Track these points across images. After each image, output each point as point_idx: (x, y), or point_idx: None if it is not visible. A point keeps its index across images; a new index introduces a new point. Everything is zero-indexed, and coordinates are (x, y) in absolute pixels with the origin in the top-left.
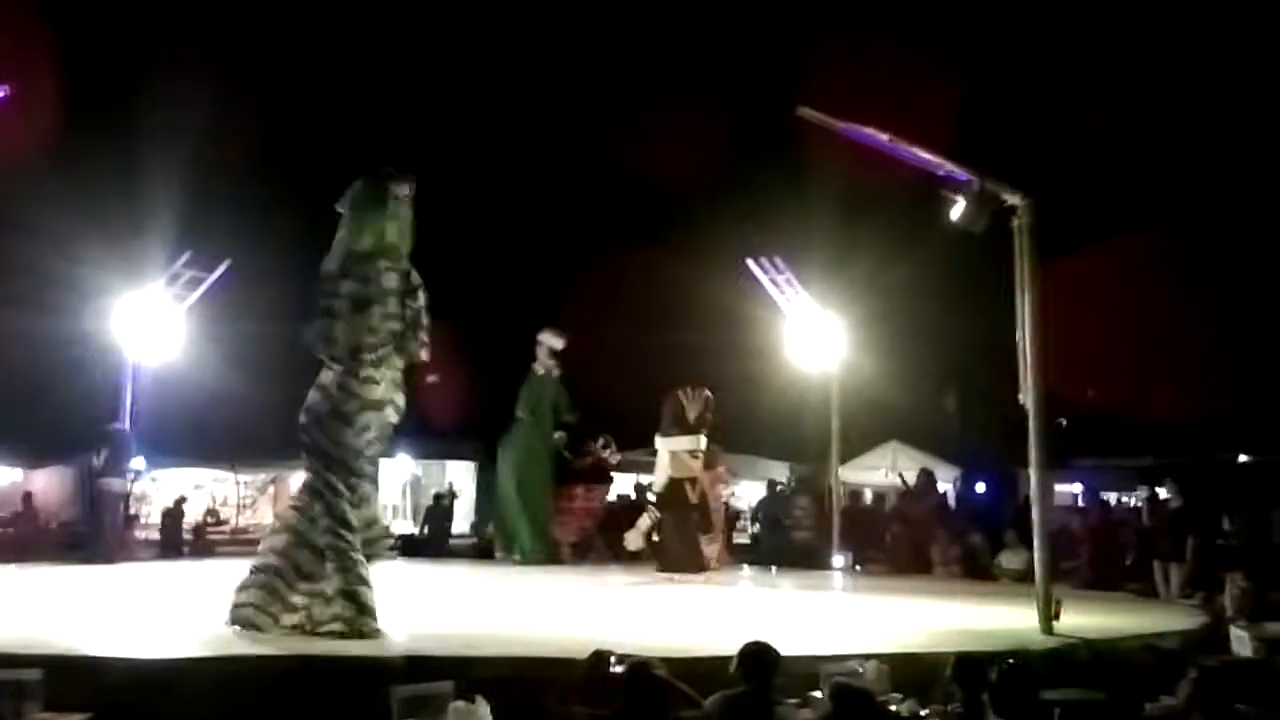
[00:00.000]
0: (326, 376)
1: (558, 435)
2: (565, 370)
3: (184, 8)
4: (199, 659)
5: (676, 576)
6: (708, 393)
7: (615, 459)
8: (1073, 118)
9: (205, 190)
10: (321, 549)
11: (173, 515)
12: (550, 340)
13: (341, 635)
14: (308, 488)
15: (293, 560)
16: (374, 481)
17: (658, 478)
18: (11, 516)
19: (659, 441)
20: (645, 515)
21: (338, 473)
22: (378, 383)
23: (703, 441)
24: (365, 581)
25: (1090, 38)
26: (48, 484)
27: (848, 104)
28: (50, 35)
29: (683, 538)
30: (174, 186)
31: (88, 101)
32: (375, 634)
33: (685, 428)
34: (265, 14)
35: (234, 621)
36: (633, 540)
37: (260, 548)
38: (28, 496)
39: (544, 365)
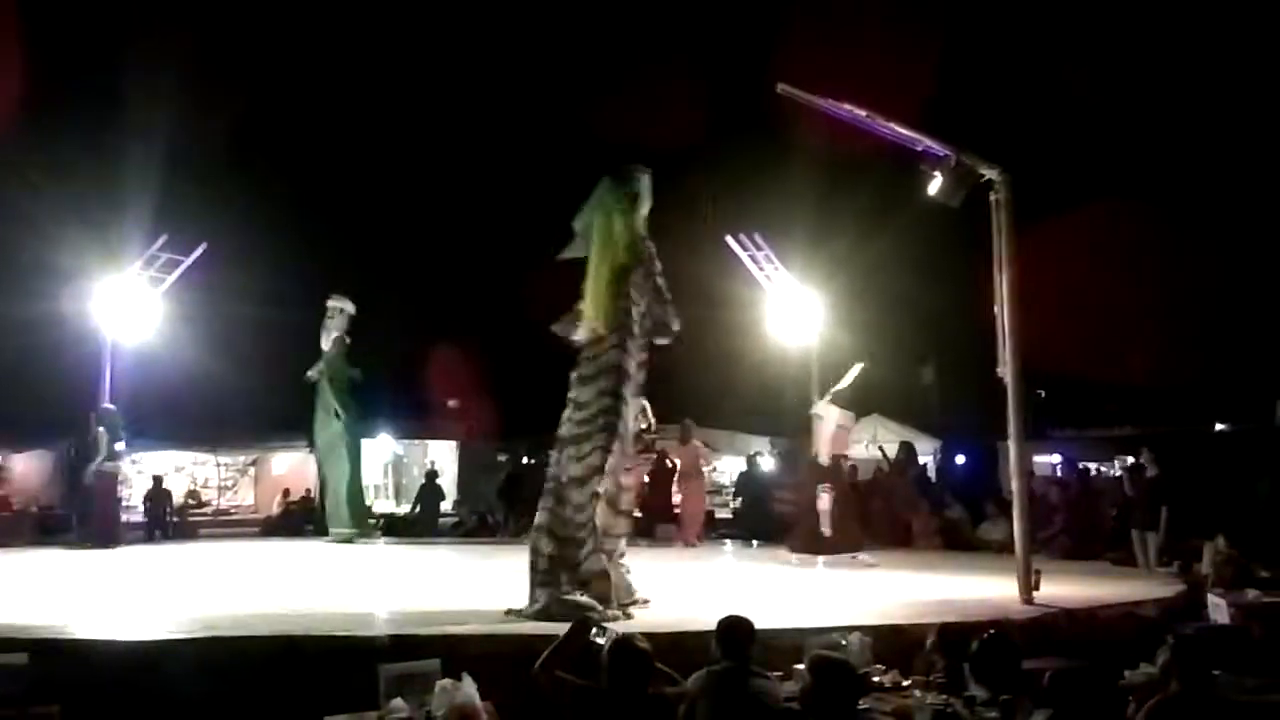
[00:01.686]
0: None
1: None
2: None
3: None
4: (186, 639)
5: (824, 558)
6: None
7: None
8: (1043, 86)
9: (182, 174)
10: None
11: (154, 498)
12: (346, 305)
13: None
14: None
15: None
16: None
17: (821, 450)
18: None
19: (824, 409)
20: (824, 494)
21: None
22: None
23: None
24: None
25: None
26: (26, 468)
27: (826, 79)
28: (24, 18)
29: (841, 517)
30: (151, 170)
31: (64, 84)
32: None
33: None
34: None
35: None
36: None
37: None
38: None
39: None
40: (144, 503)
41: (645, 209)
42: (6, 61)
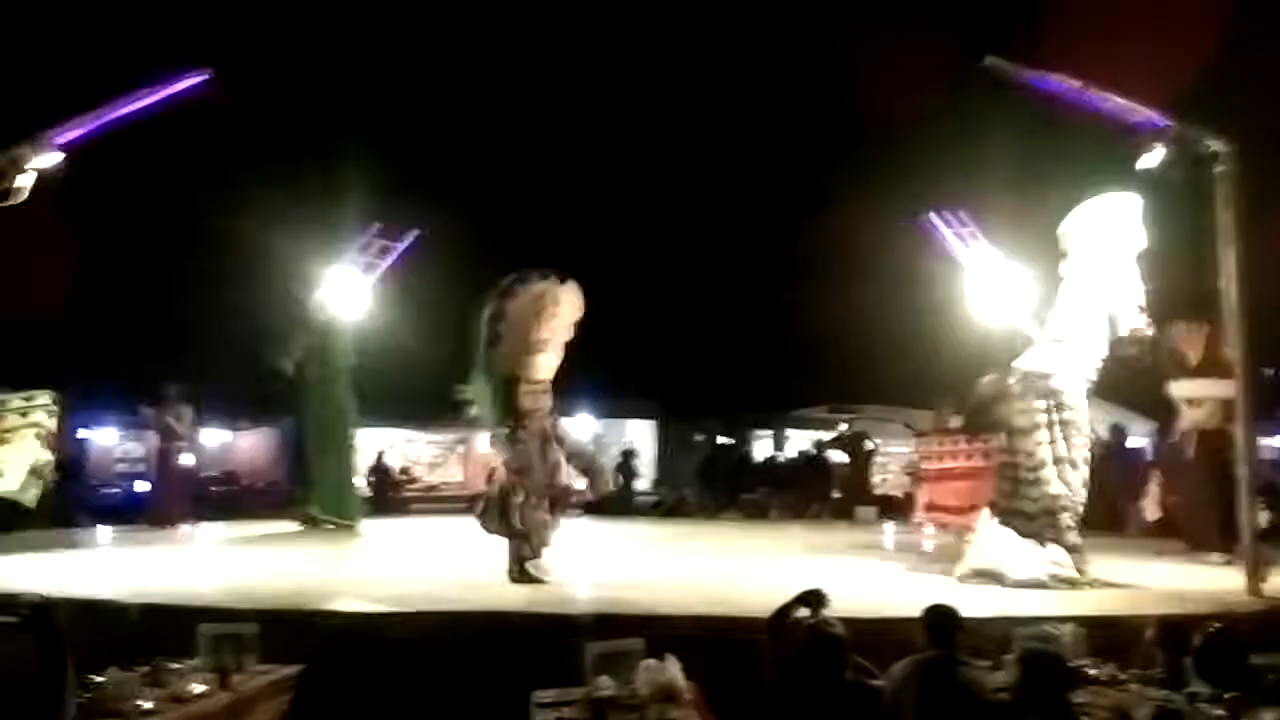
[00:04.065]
0: None
1: None
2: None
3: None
4: (405, 614)
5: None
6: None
7: None
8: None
9: (398, 165)
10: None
11: (378, 472)
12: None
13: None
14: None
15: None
16: None
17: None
18: (223, 475)
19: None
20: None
21: None
22: None
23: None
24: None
25: None
26: (253, 445)
27: (1045, 49)
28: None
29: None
30: (366, 163)
31: (287, 85)
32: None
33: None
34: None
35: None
36: (1150, 510)
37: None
38: None
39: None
40: (368, 477)
41: None
42: (230, 66)
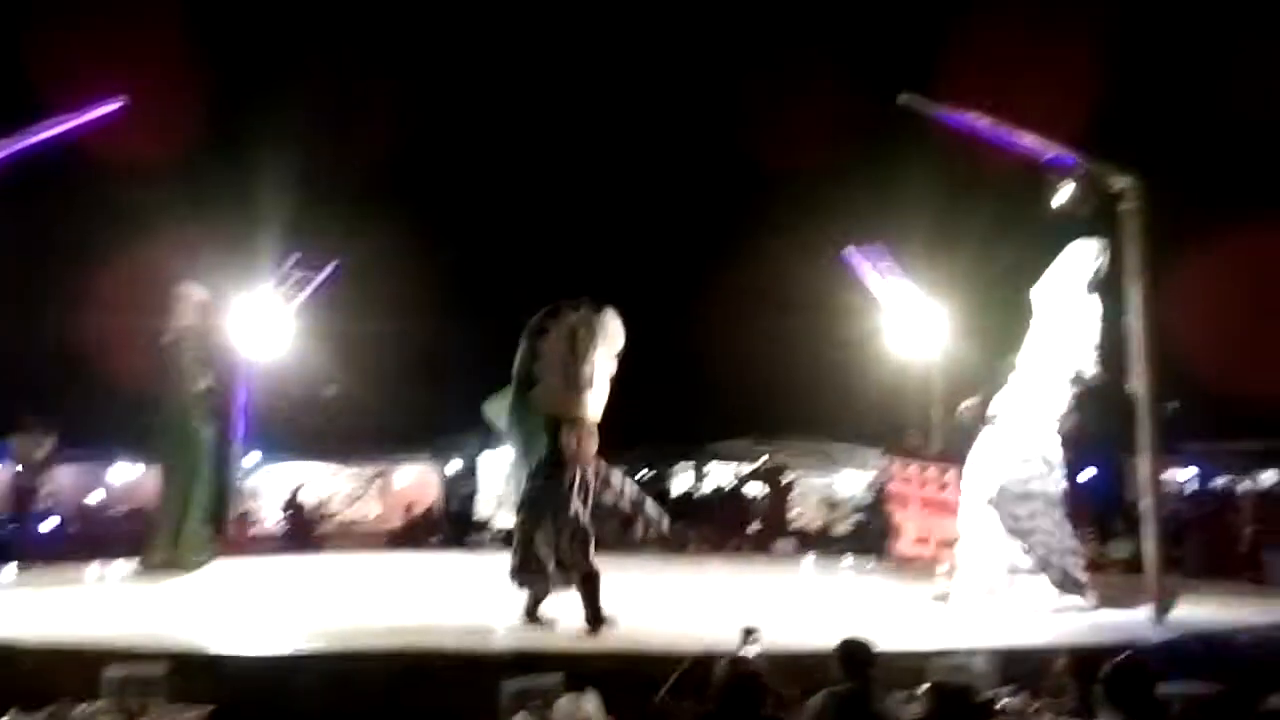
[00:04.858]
0: None
1: None
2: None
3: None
4: (314, 655)
5: None
6: None
7: None
8: (1197, 97)
9: (314, 193)
10: None
11: (293, 508)
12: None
13: None
14: None
15: None
16: None
17: None
18: (130, 513)
19: None
20: None
21: None
22: None
23: None
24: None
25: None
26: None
27: (955, 88)
28: (166, 40)
29: None
30: (286, 191)
31: (202, 107)
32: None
33: None
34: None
35: None
36: None
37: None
38: None
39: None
40: (283, 512)
41: None
42: (149, 91)
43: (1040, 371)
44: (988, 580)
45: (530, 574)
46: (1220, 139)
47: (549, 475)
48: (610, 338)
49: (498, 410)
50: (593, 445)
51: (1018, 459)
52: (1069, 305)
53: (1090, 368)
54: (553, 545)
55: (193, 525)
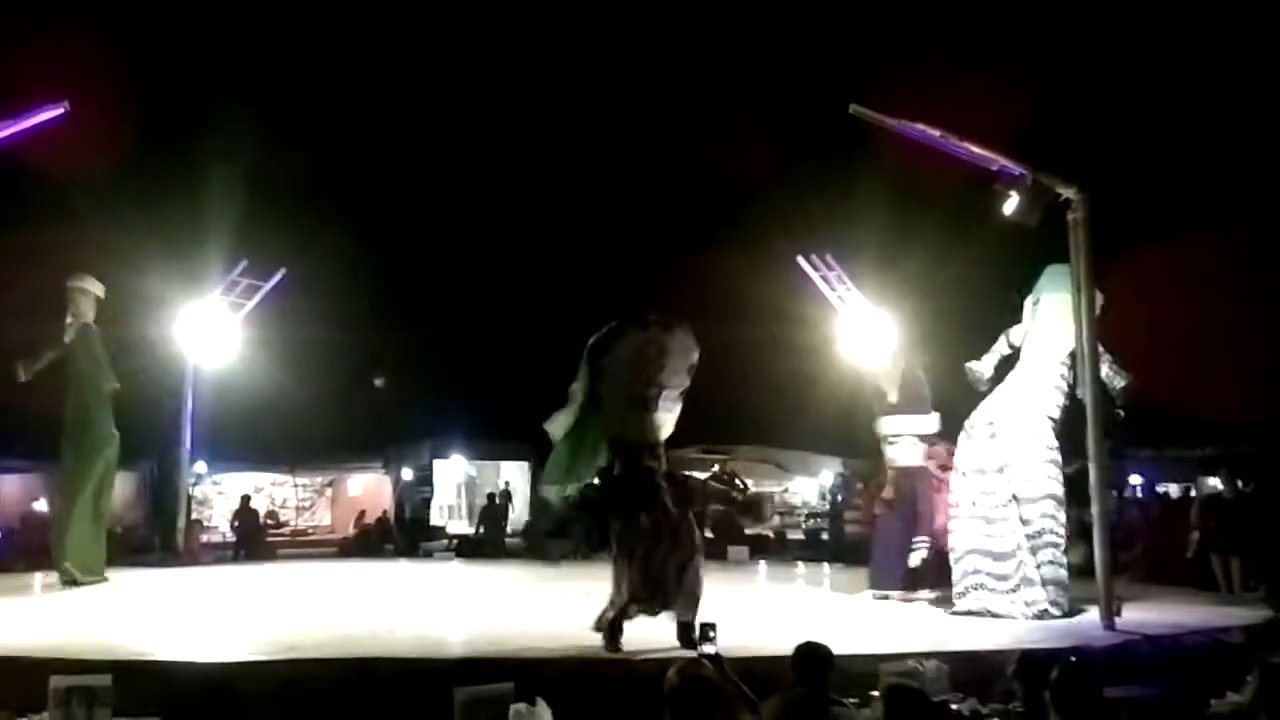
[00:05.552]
0: None
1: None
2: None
3: (236, 27)
4: (263, 662)
5: None
6: None
7: None
8: (1137, 111)
9: (262, 202)
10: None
11: (242, 518)
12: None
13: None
14: None
15: None
16: None
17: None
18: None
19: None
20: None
21: None
22: None
23: None
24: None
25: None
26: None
27: (903, 100)
28: (111, 52)
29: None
30: (232, 199)
31: (148, 117)
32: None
33: None
34: (316, 29)
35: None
36: None
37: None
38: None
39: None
40: (231, 522)
41: None
42: (92, 97)
43: (1039, 375)
44: (987, 581)
45: (644, 603)
46: (1166, 153)
47: (625, 503)
48: (681, 354)
49: (559, 428)
50: (659, 466)
51: (1027, 462)
52: (1059, 322)
53: (1119, 379)
54: (662, 569)
55: (78, 537)
